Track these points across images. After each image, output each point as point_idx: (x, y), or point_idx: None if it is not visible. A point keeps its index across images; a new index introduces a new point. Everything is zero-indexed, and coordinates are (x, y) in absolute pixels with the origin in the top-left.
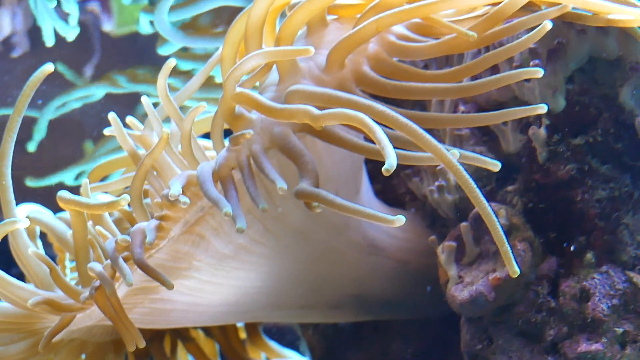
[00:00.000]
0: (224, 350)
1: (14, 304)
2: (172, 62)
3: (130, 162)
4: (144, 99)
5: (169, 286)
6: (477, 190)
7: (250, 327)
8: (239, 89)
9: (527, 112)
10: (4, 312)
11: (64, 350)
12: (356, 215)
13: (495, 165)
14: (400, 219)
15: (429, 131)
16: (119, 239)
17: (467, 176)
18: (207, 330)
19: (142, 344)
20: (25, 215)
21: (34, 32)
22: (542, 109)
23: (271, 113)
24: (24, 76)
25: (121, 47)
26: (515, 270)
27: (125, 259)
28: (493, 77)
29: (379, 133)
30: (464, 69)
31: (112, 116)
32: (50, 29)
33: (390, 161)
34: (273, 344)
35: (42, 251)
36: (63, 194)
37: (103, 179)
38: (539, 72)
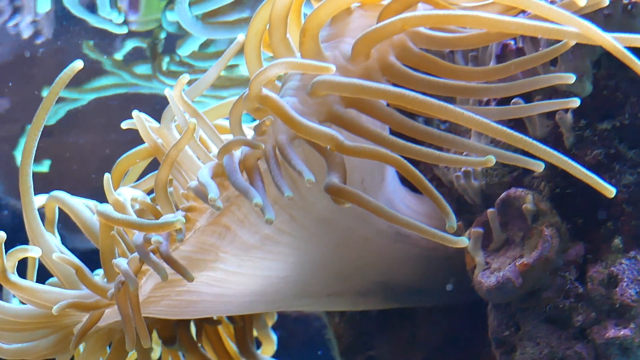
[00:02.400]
0: (236, 339)
1: (44, 308)
2: (185, 78)
3: (151, 153)
4: (167, 91)
5: (189, 279)
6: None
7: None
8: (264, 92)
9: (559, 105)
10: (33, 314)
11: (91, 339)
12: (410, 228)
13: (539, 166)
14: (463, 241)
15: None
16: (154, 239)
17: (519, 135)
18: (231, 318)
19: (147, 345)
20: (55, 198)
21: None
22: (575, 102)
23: (295, 127)
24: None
25: None
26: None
27: (152, 252)
28: (527, 79)
29: (426, 183)
30: (499, 69)
31: (135, 113)
32: None
33: (451, 222)
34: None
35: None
36: (106, 210)
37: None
38: (571, 78)
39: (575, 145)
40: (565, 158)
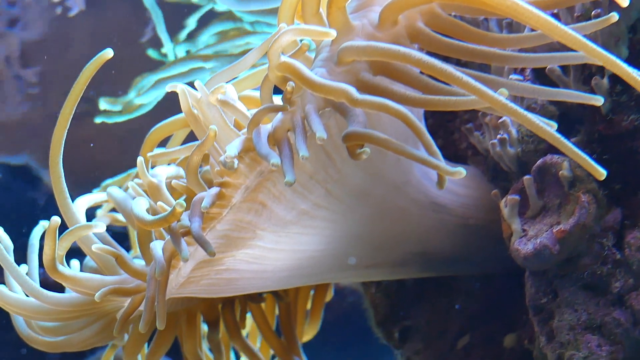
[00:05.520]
0: (281, 319)
1: (87, 295)
2: (223, 88)
3: (185, 123)
4: (197, 83)
5: (211, 253)
6: (548, 129)
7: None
8: (283, 59)
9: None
10: (76, 302)
11: (136, 324)
12: (412, 158)
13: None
14: (460, 172)
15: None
16: (179, 224)
17: (533, 118)
18: (276, 294)
19: (162, 326)
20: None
21: None
22: (599, 101)
23: (311, 86)
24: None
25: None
26: (601, 173)
27: (186, 233)
28: (561, 54)
29: (426, 136)
30: (531, 37)
31: (180, 86)
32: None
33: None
34: None
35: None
36: (140, 214)
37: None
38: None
39: (611, 111)
40: (577, 150)
